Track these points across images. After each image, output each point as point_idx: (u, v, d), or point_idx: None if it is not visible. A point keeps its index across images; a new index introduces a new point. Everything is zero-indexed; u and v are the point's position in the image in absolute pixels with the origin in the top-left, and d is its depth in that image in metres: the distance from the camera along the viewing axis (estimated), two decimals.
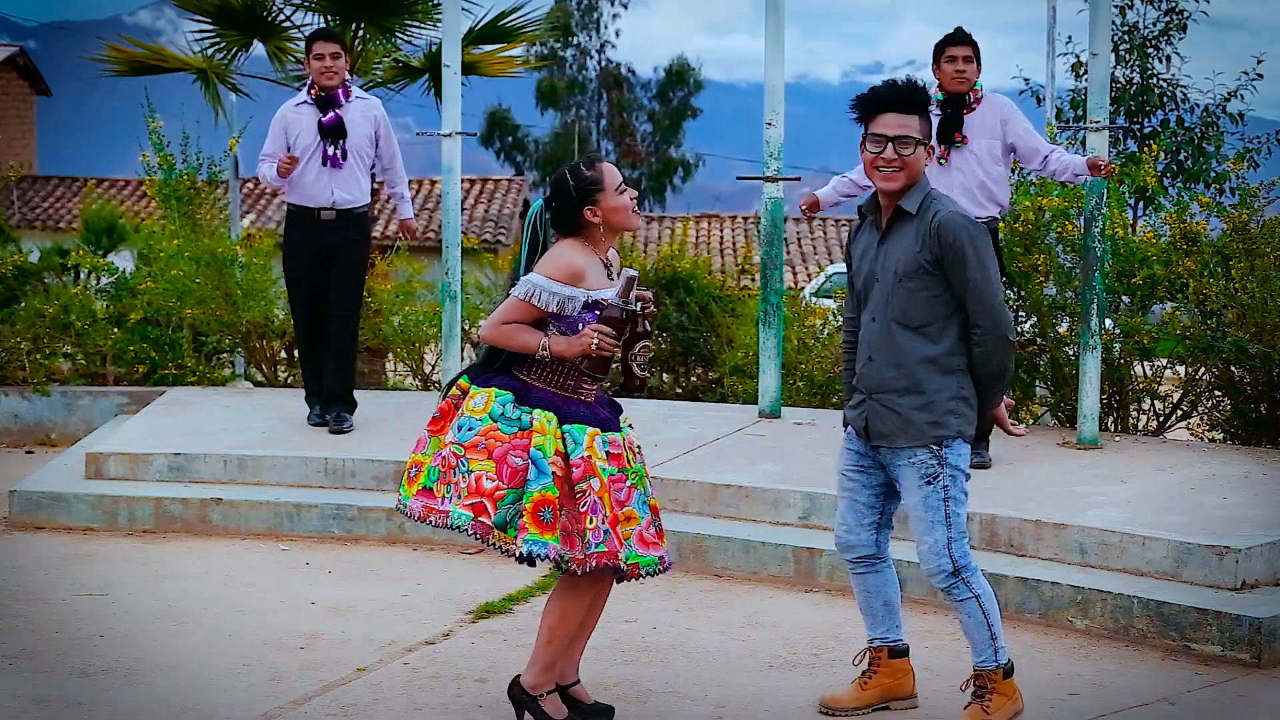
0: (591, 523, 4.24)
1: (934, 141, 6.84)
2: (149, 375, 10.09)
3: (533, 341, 4.32)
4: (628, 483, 4.38)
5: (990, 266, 4.41)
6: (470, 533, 4.24)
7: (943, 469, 4.42)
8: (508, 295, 4.40)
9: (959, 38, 7.03)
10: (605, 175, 4.36)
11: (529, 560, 4.22)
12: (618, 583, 4.44)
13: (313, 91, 7.89)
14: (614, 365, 4.43)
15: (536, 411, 4.28)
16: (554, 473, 4.23)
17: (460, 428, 4.30)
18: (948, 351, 4.43)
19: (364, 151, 7.94)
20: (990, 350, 4.41)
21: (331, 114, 7.82)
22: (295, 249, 7.97)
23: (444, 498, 4.29)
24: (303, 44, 10.88)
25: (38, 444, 9.66)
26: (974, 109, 6.97)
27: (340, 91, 7.86)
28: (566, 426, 4.29)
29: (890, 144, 4.42)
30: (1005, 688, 4.52)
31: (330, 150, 7.80)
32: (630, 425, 4.52)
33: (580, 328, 4.32)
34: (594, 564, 4.26)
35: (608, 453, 4.33)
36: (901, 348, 4.43)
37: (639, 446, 4.51)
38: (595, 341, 4.27)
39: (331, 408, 7.99)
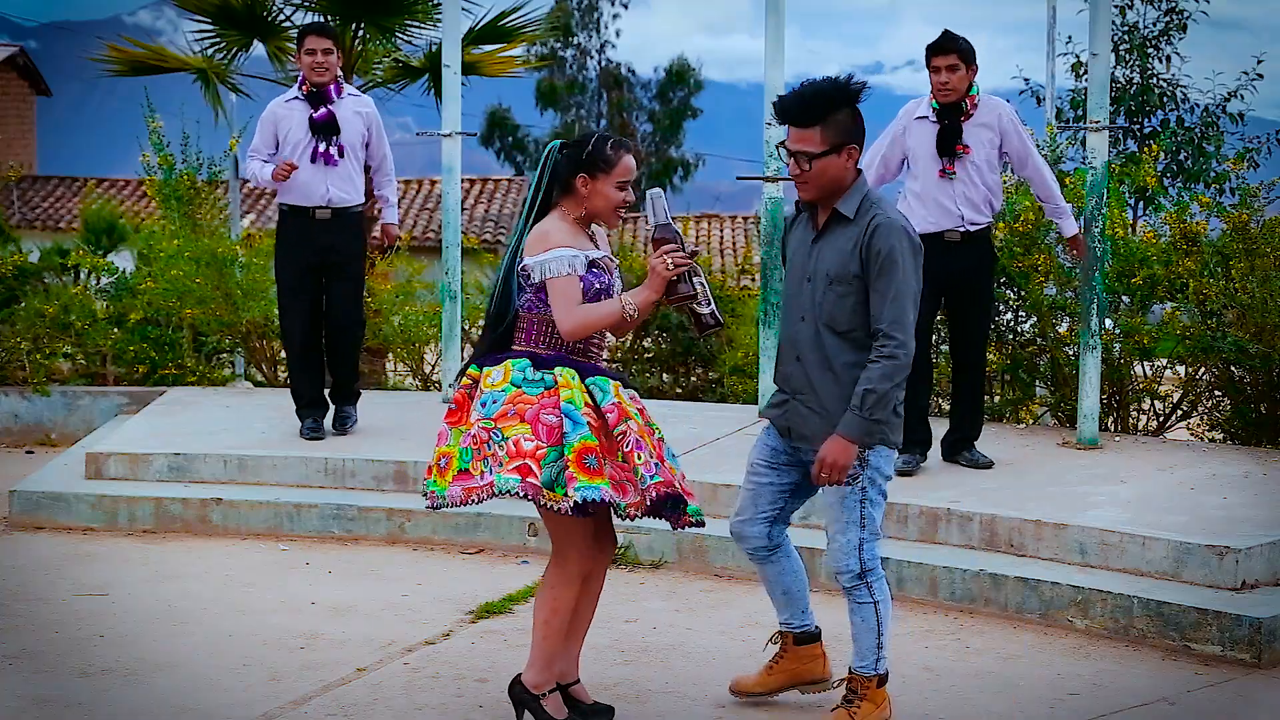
0: (640, 458, 4.21)
1: (934, 153, 6.78)
2: (149, 375, 10.10)
3: (614, 307, 4.27)
4: (655, 436, 4.36)
5: (914, 285, 4.25)
6: (520, 493, 4.15)
7: (863, 470, 4.34)
8: (510, 268, 4.35)
9: (942, 45, 6.65)
10: (619, 163, 4.32)
11: (582, 509, 4.13)
12: (674, 529, 4.38)
13: (304, 88, 7.69)
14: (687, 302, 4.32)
15: (557, 370, 4.25)
16: (589, 423, 4.19)
17: (484, 404, 4.25)
18: None
19: (358, 149, 7.76)
20: (897, 364, 4.19)
21: (323, 109, 7.63)
22: (290, 252, 7.73)
23: (483, 473, 4.21)
24: None
25: (38, 444, 9.66)
26: (971, 115, 6.70)
27: (332, 88, 7.69)
28: (589, 379, 4.27)
29: (793, 158, 4.32)
30: (876, 696, 4.47)
31: (323, 147, 7.62)
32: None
33: (585, 288, 4.28)
34: (654, 495, 4.21)
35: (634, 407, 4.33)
36: (830, 353, 4.33)
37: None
38: (669, 261, 4.23)
39: (337, 406, 7.97)
